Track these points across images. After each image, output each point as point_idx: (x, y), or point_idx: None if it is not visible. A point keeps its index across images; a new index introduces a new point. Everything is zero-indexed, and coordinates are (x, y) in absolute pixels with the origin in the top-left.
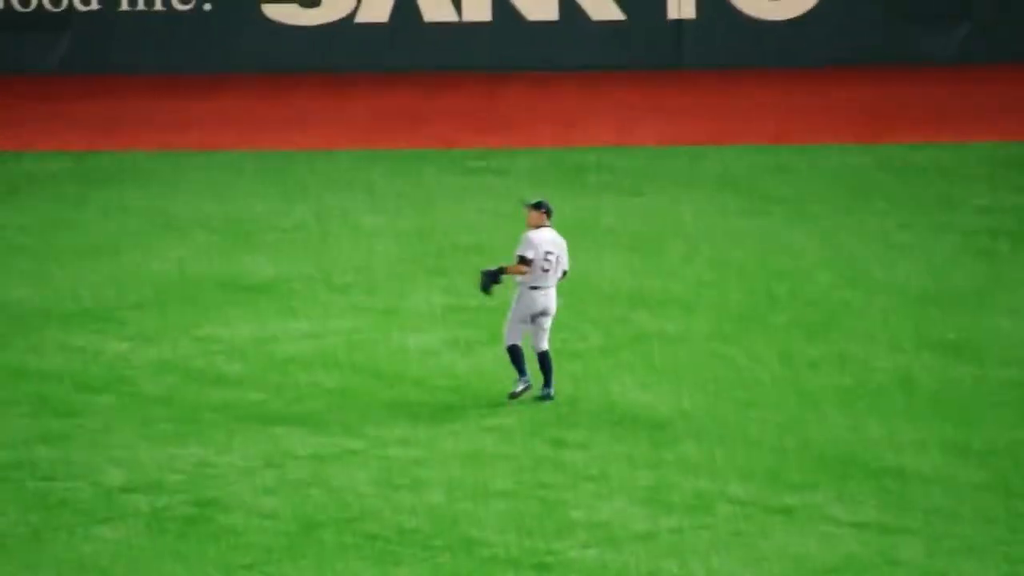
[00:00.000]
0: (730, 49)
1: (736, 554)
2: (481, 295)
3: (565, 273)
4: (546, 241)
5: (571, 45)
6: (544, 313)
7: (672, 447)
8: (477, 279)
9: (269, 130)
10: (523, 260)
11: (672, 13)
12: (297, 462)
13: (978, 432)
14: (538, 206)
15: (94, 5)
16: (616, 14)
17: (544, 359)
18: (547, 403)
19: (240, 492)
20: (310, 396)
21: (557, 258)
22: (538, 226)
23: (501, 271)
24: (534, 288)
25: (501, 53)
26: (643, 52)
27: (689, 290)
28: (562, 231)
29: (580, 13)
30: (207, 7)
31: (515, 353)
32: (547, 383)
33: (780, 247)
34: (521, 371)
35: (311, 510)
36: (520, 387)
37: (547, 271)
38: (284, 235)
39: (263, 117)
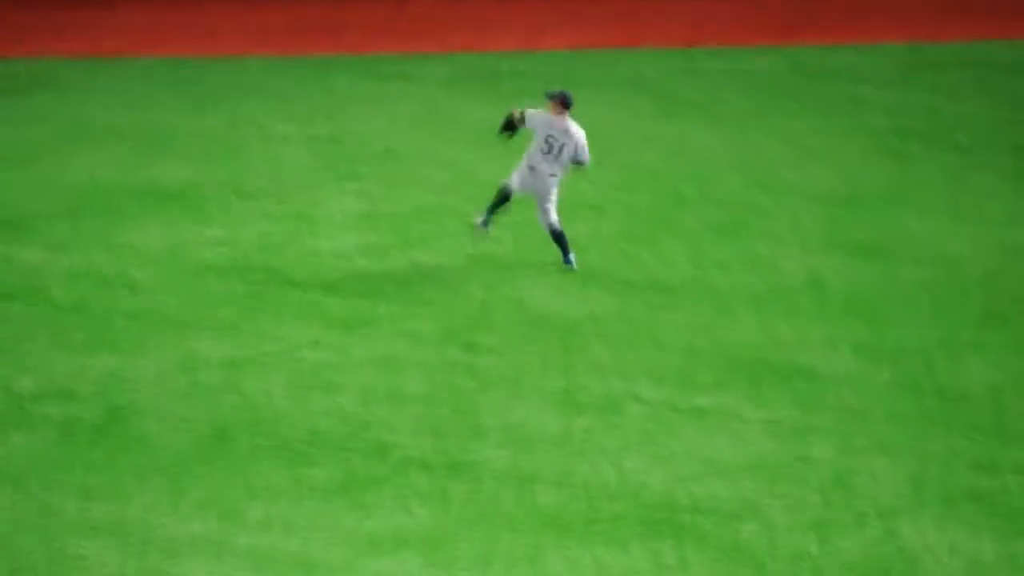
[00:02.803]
0: None
1: (647, 454)
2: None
3: (581, 164)
4: (550, 124)
5: None
6: (538, 194)
7: (583, 349)
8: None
9: (181, 38)
10: (520, 114)
11: None
12: (210, 368)
13: (888, 332)
14: (552, 96)
15: None
16: None
17: (553, 236)
18: (460, 305)
19: (153, 398)
20: (223, 302)
21: (562, 146)
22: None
23: (511, 120)
24: (530, 167)
25: None
26: None
27: (599, 193)
28: (475, 136)
29: None
30: None
31: (500, 194)
32: (565, 256)
33: (691, 150)
34: (490, 210)
35: (224, 415)
36: (479, 219)
37: (546, 153)
38: (196, 142)
39: (175, 25)
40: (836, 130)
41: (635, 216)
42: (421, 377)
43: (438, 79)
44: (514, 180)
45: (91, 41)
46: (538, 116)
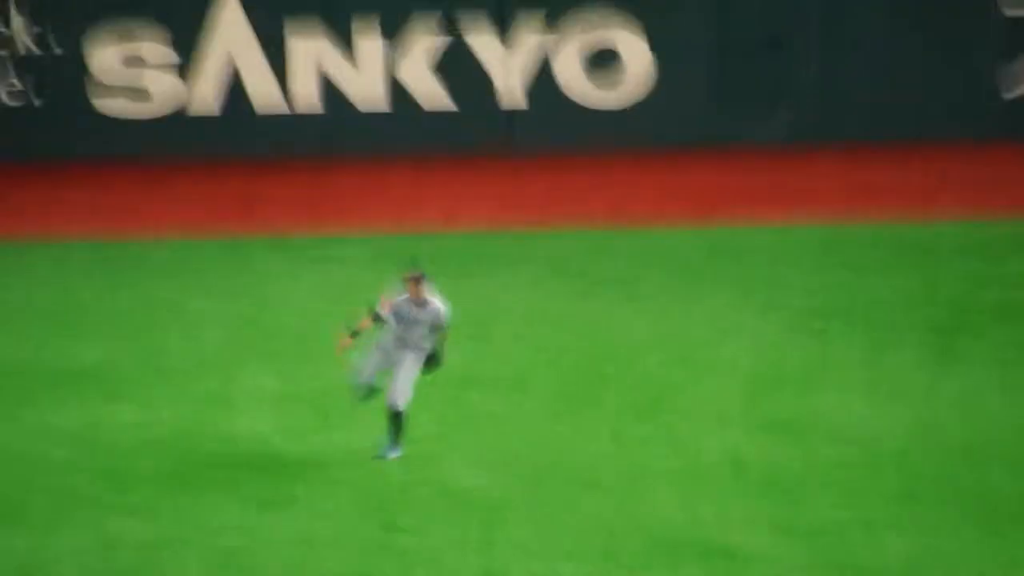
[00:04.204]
0: (560, 135)
1: None
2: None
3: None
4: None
5: (402, 132)
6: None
7: (505, 529)
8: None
9: (99, 219)
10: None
11: (505, 104)
12: (127, 550)
13: (805, 512)
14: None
15: None
16: (448, 105)
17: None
18: (379, 485)
19: None
20: (139, 483)
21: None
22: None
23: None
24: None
25: (332, 140)
26: (474, 138)
27: (519, 371)
28: None
29: (411, 103)
30: (37, 103)
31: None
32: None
33: (610, 328)
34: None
35: None
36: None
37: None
38: (110, 321)
39: (94, 205)
40: (754, 309)
41: (555, 394)
42: (340, 558)
43: (359, 258)
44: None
45: (3, 220)
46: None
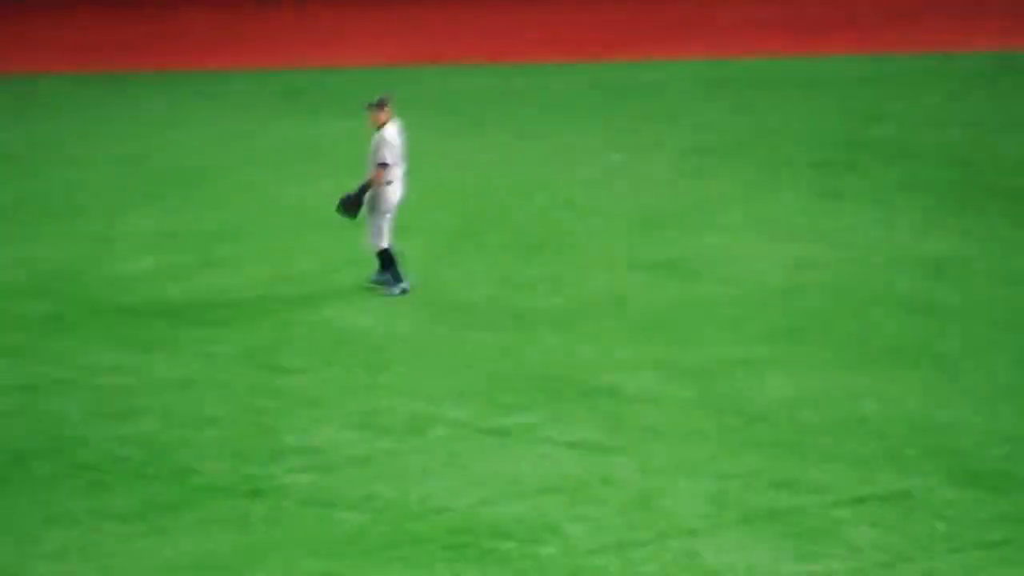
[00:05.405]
0: None
1: (451, 476)
2: (341, 218)
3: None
4: (397, 136)
5: None
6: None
7: (387, 370)
8: (340, 211)
9: None
10: (383, 165)
11: None
12: (5, 392)
13: (688, 350)
14: (382, 103)
15: None
16: None
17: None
18: (262, 327)
19: None
20: (19, 325)
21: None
22: (385, 123)
23: (364, 190)
24: (390, 182)
25: None
26: None
27: (403, 211)
28: (276, 153)
29: None
30: None
31: (391, 257)
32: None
33: (496, 168)
34: (400, 275)
35: (20, 440)
36: (398, 291)
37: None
38: None
39: None
40: (638, 147)
41: (439, 235)
42: (221, 399)
43: (238, 96)
44: (380, 234)
45: None
46: (389, 142)
